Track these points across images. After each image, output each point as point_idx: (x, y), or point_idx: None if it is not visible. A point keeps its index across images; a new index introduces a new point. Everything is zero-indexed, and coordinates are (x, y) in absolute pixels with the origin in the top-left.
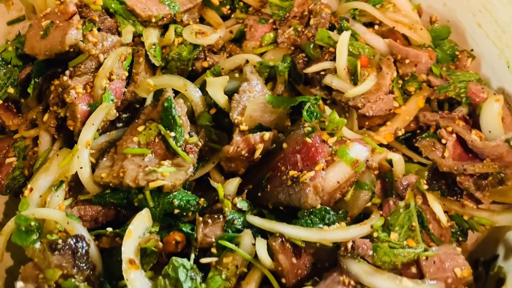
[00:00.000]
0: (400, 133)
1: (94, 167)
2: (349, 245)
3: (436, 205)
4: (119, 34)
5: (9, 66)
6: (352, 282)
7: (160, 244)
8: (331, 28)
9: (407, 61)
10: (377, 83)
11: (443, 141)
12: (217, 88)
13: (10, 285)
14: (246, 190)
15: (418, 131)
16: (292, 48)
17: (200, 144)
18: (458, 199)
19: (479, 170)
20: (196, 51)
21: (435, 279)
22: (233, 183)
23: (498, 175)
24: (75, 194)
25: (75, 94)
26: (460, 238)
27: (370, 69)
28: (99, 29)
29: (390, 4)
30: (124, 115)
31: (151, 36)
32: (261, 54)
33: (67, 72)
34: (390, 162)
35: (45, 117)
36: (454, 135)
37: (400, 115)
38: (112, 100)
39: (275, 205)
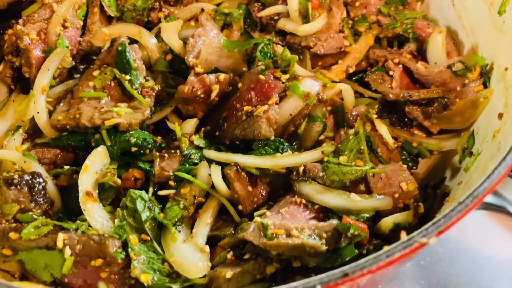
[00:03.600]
0: (351, 70)
1: (52, 114)
2: (301, 169)
3: (382, 128)
4: None
5: None
6: (303, 201)
7: (119, 180)
8: None
9: (357, 3)
10: (328, 23)
11: (391, 72)
12: (171, 32)
13: None
14: (202, 129)
15: (369, 69)
16: None
17: (156, 88)
18: (408, 129)
19: (424, 95)
20: (151, 1)
21: (382, 194)
22: (191, 123)
23: (442, 101)
24: (33, 141)
25: (28, 40)
26: (411, 164)
27: (321, 11)
28: None
29: None
30: (81, 66)
31: None
32: (217, 5)
33: (20, 21)
34: (342, 99)
35: (0, 68)
36: (400, 66)
37: (351, 53)
38: (67, 47)
39: (232, 141)
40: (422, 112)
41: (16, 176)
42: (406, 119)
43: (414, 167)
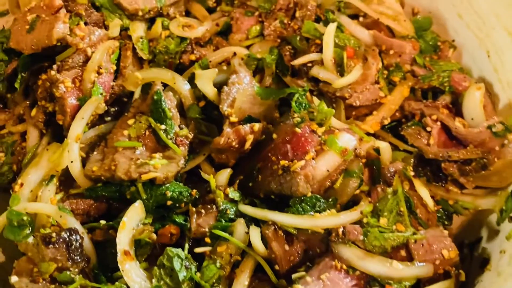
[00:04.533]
0: (386, 122)
1: (84, 161)
2: (340, 230)
3: (423, 190)
4: (106, 28)
5: None
6: (344, 266)
7: (154, 235)
8: (317, 20)
9: (391, 51)
10: (363, 74)
11: (428, 128)
12: (205, 80)
13: (2, 280)
14: (237, 181)
15: (403, 120)
16: (279, 40)
17: (190, 136)
18: (443, 184)
19: (463, 156)
20: (184, 44)
21: (423, 261)
22: (224, 174)
23: (481, 161)
24: (66, 189)
25: (64, 88)
26: (446, 222)
27: (356, 60)
28: (85, 23)
29: None
30: (113, 109)
31: (138, 30)
32: (247, 47)
33: (54, 67)
34: (377, 150)
35: (33, 112)
36: (438, 123)
37: (386, 104)
38: (101, 94)
39: (267, 194)
40: (459, 169)
41: (53, 234)
42: (440, 174)
43: (449, 225)
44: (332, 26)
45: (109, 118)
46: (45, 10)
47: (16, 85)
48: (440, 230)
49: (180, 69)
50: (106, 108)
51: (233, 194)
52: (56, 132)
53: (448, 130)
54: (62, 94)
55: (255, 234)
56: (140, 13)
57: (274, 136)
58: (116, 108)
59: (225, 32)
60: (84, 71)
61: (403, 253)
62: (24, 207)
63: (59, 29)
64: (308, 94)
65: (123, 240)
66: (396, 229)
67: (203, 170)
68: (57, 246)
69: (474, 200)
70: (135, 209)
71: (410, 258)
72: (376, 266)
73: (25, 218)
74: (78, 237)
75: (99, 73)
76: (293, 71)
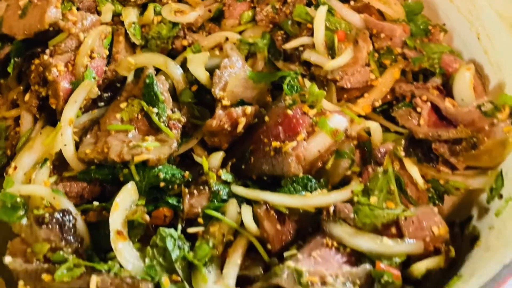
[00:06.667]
0: (377, 104)
1: (77, 145)
2: (331, 209)
3: (413, 169)
4: (98, 13)
5: None
6: (335, 244)
7: (147, 216)
8: (308, 4)
9: (382, 35)
10: (354, 56)
11: (418, 109)
12: (198, 64)
13: None
14: (230, 163)
15: (394, 102)
16: (271, 25)
17: (183, 120)
18: (434, 165)
19: (453, 135)
20: (176, 29)
21: (414, 238)
22: (217, 157)
23: (471, 140)
24: (60, 173)
25: (56, 72)
26: (437, 202)
27: (347, 43)
28: (78, 9)
29: None
30: (106, 94)
31: (130, 15)
32: (240, 33)
33: (47, 51)
34: (368, 132)
35: (26, 97)
36: (428, 103)
37: (377, 87)
38: (94, 78)
39: (259, 176)
40: (449, 149)
41: (47, 215)
42: (431, 155)
43: (440, 203)
44: (323, 10)
45: (102, 104)
46: None
47: (9, 69)
48: (430, 207)
49: (172, 54)
50: (99, 93)
51: (226, 176)
52: (49, 117)
53: (439, 111)
54: (55, 78)
55: (247, 213)
56: None
57: (266, 118)
58: (109, 94)
59: (217, 18)
60: (76, 55)
61: (393, 230)
62: (17, 189)
63: (51, 13)
64: (300, 78)
65: (116, 220)
66: (387, 206)
67: (195, 153)
68: (50, 226)
69: (465, 179)
70: (128, 190)
71: (400, 235)
72: (367, 243)
73: (18, 200)
74: (71, 218)
75: (91, 57)
76: (286, 55)
